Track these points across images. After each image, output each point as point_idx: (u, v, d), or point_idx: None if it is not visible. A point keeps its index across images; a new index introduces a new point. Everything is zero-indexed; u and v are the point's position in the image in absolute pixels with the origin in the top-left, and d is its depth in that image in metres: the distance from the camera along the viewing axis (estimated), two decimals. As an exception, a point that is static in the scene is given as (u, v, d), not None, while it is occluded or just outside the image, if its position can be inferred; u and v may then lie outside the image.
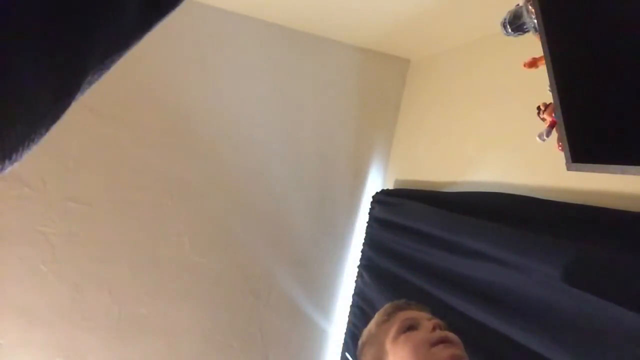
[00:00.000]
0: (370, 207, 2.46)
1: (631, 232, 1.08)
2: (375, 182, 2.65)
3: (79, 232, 2.25)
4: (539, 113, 0.99)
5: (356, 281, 2.43)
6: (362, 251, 2.44)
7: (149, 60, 2.25)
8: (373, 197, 2.46)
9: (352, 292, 2.45)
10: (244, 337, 2.47)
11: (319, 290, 2.57)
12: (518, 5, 1.02)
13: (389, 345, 0.96)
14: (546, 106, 0.97)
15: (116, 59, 0.36)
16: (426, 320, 0.97)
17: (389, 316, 1.01)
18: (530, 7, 0.95)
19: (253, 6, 2.36)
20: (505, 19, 1.04)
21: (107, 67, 0.35)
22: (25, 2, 0.27)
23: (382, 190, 2.45)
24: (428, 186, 2.22)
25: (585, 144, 0.83)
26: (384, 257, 2.20)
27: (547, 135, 0.97)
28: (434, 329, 0.94)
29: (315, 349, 2.56)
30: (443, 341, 0.92)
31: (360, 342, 1.06)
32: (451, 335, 0.95)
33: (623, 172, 0.77)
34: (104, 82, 0.38)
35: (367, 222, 2.46)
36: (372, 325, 1.05)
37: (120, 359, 2.31)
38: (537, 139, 0.97)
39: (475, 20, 1.97)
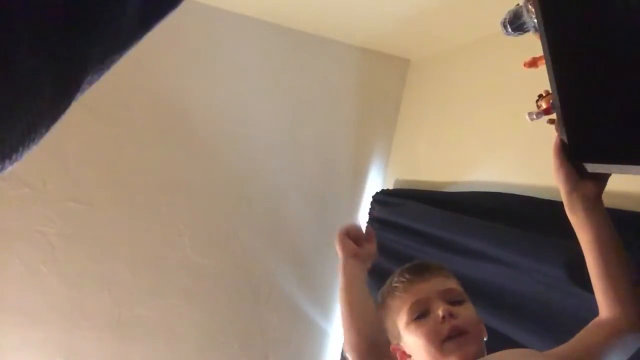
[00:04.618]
0: (370, 207, 2.46)
1: (631, 232, 1.08)
2: (375, 182, 2.65)
3: (79, 232, 2.25)
4: (537, 100, 0.99)
5: (356, 281, 2.42)
6: (362, 251, 2.43)
7: (149, 60, 2.25)
8: (373, 197, 2.46)
9: (352, 292, 2.45)
10: (244, 337, 2.47)
11: (319, 290, 2.57)
12: (518, 5, 1.02)
13: (402, 328, 0.97)
14: (547, 94, 0.97)
15: (116, 59, 0.36)
16: (437, 301, 0.95)
17: (404, 289, 0.99)
18: (530, 7, 0.95)
19: (253, 6, 2.35)
20: (505, 19, 1.04)
21: (107, 67, 0.35)
22: (25, 3, 0.27)
23: (382, 191, 2.45)
24: (428, 186, 2.21)
25: (585, 144, 0.83)
26: (384, 257, 2.20)
27: (537, 117, 0.96)
28: (443, 319, 0.92)
29: (315, 349, 2.56)
30: (453, 335, 0.91)
31: (379, 296, 1.06)
32: (461, 322, 0.92)
33: (623, 172, 0.77)
34: (104, 82, 0.38)
35: (367, 222, 2.45)
36: (389, 288, 1.03)
37: (120, 359, 2.31)
38: (527, 116, 0.97)
39: (475, 20, 1.97)
